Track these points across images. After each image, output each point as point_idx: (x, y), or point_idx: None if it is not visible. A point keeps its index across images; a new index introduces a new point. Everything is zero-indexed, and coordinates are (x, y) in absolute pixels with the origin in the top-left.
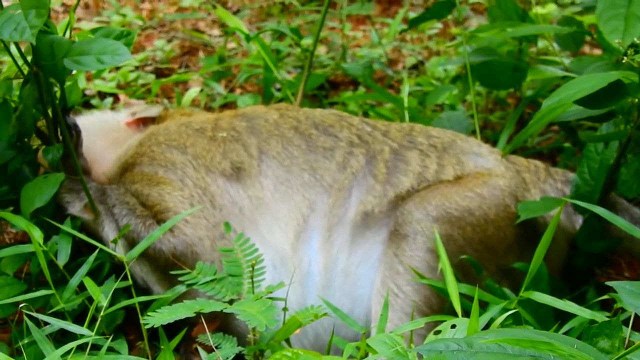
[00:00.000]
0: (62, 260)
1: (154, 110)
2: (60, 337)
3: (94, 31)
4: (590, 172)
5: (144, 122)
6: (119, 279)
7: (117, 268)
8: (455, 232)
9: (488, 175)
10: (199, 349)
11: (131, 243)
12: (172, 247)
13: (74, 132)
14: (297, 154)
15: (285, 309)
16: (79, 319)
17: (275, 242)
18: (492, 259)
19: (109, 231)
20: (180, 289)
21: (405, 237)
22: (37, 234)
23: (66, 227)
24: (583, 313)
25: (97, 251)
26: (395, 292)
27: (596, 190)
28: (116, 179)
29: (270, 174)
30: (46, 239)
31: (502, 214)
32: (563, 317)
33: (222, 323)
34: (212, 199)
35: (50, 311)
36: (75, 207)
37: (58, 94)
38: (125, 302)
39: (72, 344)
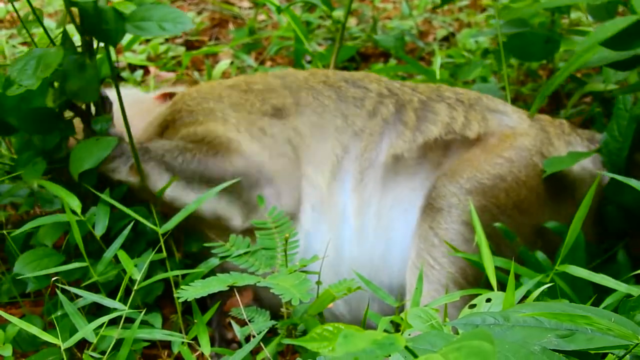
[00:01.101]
0: (99, 231)
1: (181, 88)
2: (96, 310)
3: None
4: (619, 128)
5: (171, 96)
6: (154, 251)
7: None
8: (488, 202)
9: (513, 137)
10: (232, 322)
11: (190, 178)
12: (233, 168)
13: (108, 103)
14: (328, 102)
15: (318, 283)
16: (117, 292)
17: (314, 182)
18: (527, 221)
19: (162, 184)
20: (214, 262)
21: (440, 210)
22: (75, 204)
23: (104, 196)
24: (620, 287)
25: (132, 223)
26: (431, 263)
27: (624, 146)
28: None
29: (305, 120)
30: (86, 210)
31: (532, 174)
32: (601, 285)
33: (256, 295)
34: (261, 129)
35: (86, 283)
36: (122, 173)
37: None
38: (160, 276)
39: (105, 318)
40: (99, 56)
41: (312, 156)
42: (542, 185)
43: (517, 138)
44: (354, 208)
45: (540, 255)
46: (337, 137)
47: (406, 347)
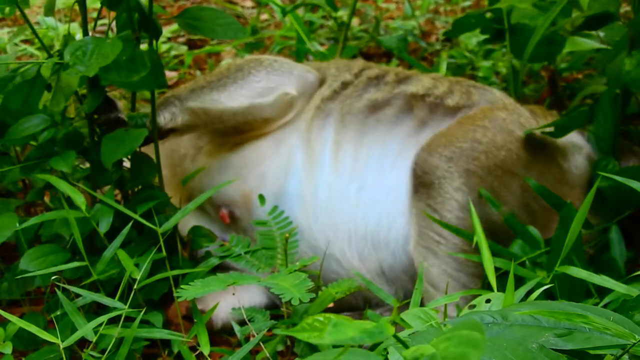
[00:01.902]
0: (103, 228)
1: None
2: (98, 309)
3: None
4: (605, 121)
5: None
6: (155, 249)
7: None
8: (471, 165)
9: (490, 110)
10: (232, 322)
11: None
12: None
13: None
14: (322, 63)
15: (318, 283)
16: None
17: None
18: (514, 182)
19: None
20: (214, 261)
21: (430, 185)
22: (80, 200)
23: (106, 198)
24: (619, 288)
25: (131, 222)
26: (436, 239)
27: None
28: None
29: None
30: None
31: (509, 138)
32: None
33: None
34: None
35: (87, 281)
36: (178, 116)
37: None
38: (159, 275)
39: (104, 317)
40: None
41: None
42: (522, 149)
43: (492, 111)
44: (333, 146)
45: (532, 230)
46: (329, 85)
47: (395, 337)
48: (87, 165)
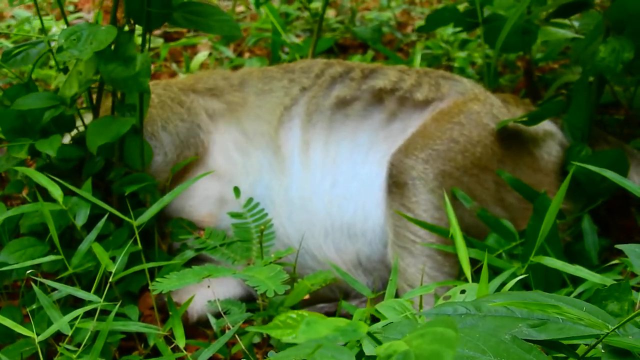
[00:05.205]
0: (80, 221)
1: None
2: (75, 303)
3: None
4: (579, 109)
5: None
6: (131, 242)
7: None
8: (447, 167)
9: (463, 103)
10: (208, 315)
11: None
12: None
13: None
14: (275, 74)
15: (294, 275)
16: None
17: (262, 130)
18: (489, 177)
19: None
20: (189, 254)
21: (404, 185)
22: (57, 193)
23: (83, 191)
24: (593, 278)
25: (106, 215)
26: (412, 238)
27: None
28: None
29: (252, 89)
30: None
31: (484, 133)
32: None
33: None
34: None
35: (63, 275)
36: None
37: None
38: (135, 268)
39: (80, 310)
40: None
41: (257, 112)
42: (497, 143)
43: (466, 104)
44: (302, 146)
45: (505, 222)
46: (285, 93)
47: (369, 334)
48: None
